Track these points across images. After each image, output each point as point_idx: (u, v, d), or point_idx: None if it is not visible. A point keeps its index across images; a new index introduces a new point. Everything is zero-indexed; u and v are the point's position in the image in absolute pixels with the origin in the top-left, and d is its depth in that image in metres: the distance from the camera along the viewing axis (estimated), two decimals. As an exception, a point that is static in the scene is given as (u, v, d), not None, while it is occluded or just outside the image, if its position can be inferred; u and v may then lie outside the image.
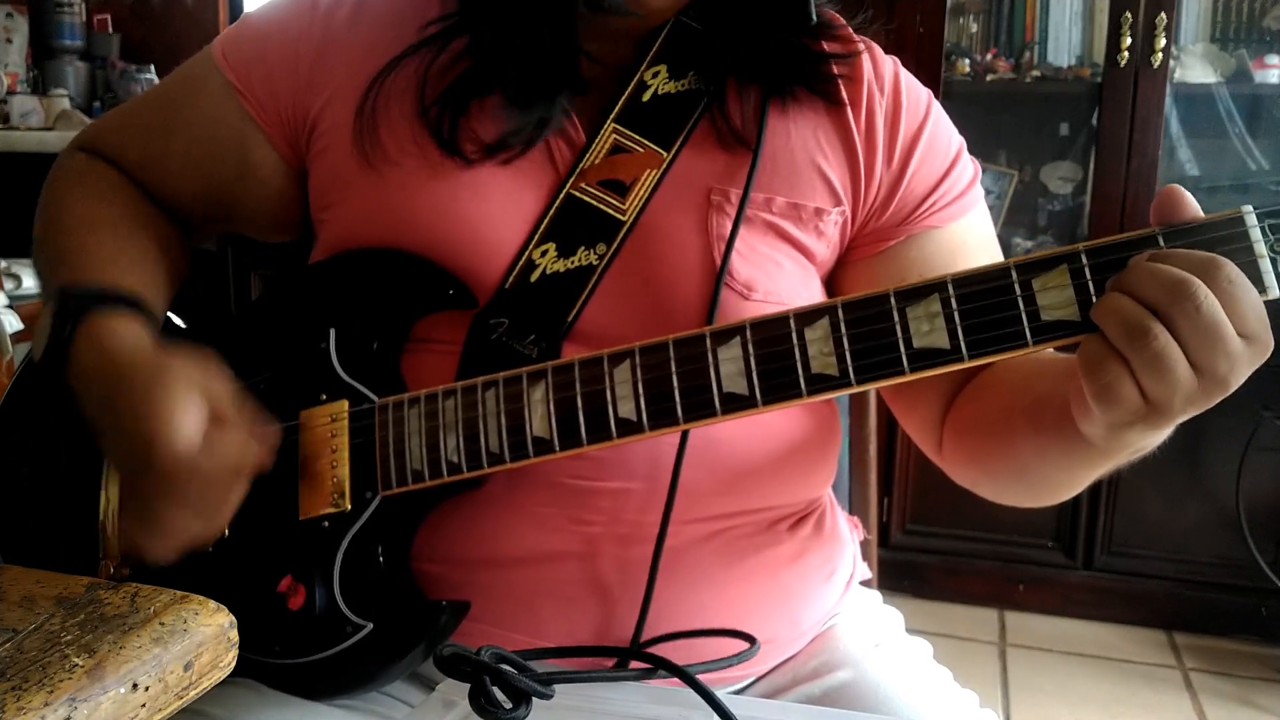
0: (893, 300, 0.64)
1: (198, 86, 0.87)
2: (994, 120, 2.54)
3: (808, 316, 0.66)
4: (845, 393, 0.66)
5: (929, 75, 2.25)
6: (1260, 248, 0.59)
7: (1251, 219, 0.59)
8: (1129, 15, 2.19)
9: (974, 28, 2.54)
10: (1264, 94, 2.34)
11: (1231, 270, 0.58)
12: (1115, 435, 0.63)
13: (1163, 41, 2.18)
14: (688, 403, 0.67)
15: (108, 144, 0.91)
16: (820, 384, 0.65)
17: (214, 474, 0.68)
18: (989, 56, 2.48)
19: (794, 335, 0.66)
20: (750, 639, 0.72)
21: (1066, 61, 2.44)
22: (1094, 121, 2.32)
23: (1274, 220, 0.59)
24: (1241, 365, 0.58)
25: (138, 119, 0.92)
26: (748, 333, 0.67)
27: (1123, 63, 2.21)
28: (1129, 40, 2.20)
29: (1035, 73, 2.44)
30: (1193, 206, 0.61)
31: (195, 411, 0.67)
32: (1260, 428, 2.18)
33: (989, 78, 2.46)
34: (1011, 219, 2.49)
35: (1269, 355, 0.59)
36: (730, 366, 0.67)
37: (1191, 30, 2.39)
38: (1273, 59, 2.30)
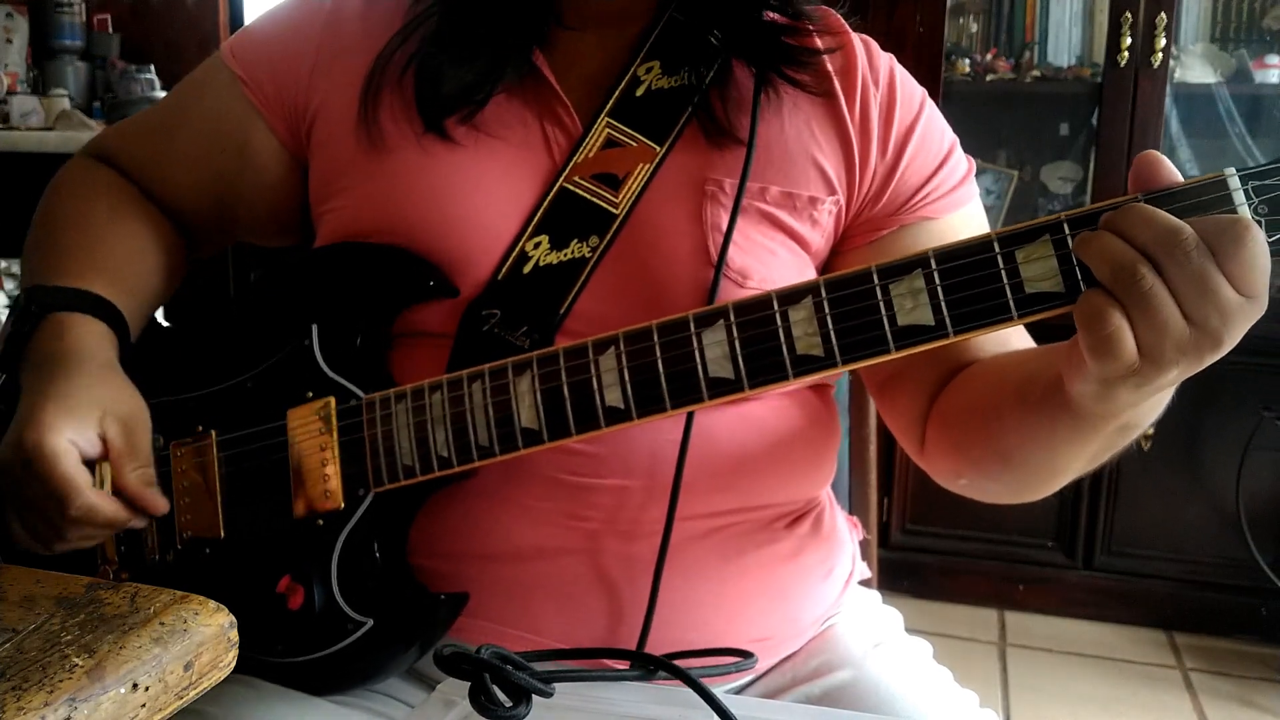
0: (876, 277, 0.64)
1: (204, 85, 0.89)
2: (994, 120, 2.54)
3: (791, 297, 0.66)
4: (831, 373, 0.66)
5: (929, 75, 2.25)
6: (1244, 211, 0.58)
7: (1234, 181, 0.59)
8: (1129, 15, 2.19)
9: (974, 28, 2.53)
10: (1264, 94, 2.34)
11: (1240, 229, 0.56)
12: (1106, 393, 0.61)
13: (1163, 41, 2.18)
14: (674, 388, 0.67)
15: (114, 148, 0.93)
16: (806, 365, 0.65)
17: (59, 498, 0.70)
18: (989, 56, 2.48)
19: (778, 316, 0.66)
20: (748, 654, 0.72)
21: (1066, 61, 2.44)
22: (1094, 121, 2.32)
23: (1257, 182, 0.59)
24: (1236, 322, 0.57)
25: (145, 122, 0.95)
26: (731, 315, 0.67)
27: (1123, 63, 2.21)
28: (1129, 40, 2.20)
29: (1035, 73, 2.43)
30: (1171, 171, 0.60)
31: (84, 432, 0.71)
32: (1260, 428, 2.18)
33: (989, 78, 2.46)
34: (1011, 219, 2.49)
35: (1262, 314, 0.58)
36: (715, 350, 0.67)
37: (1191, 30, 2.39)
38: (1273, 59, 2.30)
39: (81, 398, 0.72)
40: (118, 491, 0.72)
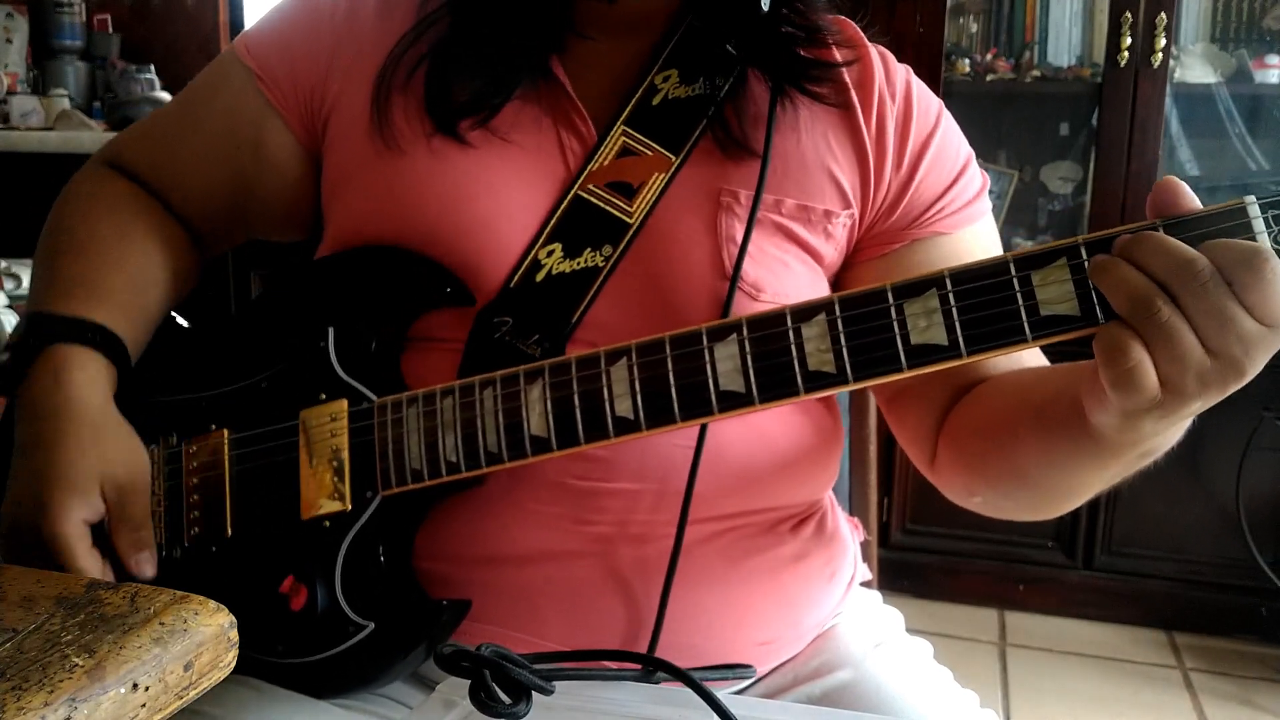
0: (890, 296, 0.64)
1: (218, 82, 0.88)
2: (994, 120, 2.54)
3: (804, 313, 0.65)
4: (843, 390, 0.66)
5: (929, 75, 2.24)
6: (1264, 239, 0.58)
7: (1254, 209, 0.58)
8: (1129, 15, 2.19)
9: (974, 28, 2.53)
10: (1264, 94, 2.34)
11: (1259, 260, 0.56)
12: (1129, 425, 0.61)
13: (1163, 41, 2.18)
14: (685, 401, 0.67)
15: (126, 152, 0.92)
16: (818, 382, 0.65)
17: (68, 562, 0.71)
18: (989, 56, 2.48)
19: (790, 333, 0.65)
20: (747, 667, 0.72)
21: (1066, 61, 2.44)
22: (1094, 121, 2.32)
23: (1278, 211, 0.58)
24: (1258, 350, 0.57)
25: (157, 124, 0.93)
26: (744, 330, 0.66)
27: (1123, 63, 2.21)
28: (1129, 40, 2.20)
29: (1035, 73, 2.43)
30: (1190, 198, 0.60)
31: (91, 503, 0.72)
32: (1260, 428, 2.18)
33: (989, 78, 2.46)
34: (1011, 219, 2.49)
35: None
36: (727, 364, 0.66)
37: (1191, 30, 2.39)
38: (1273, 59, 2.30)
39: (81, 467, 0.73)
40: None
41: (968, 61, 2.46)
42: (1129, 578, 2.36)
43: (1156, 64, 2.19)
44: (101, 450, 0.74)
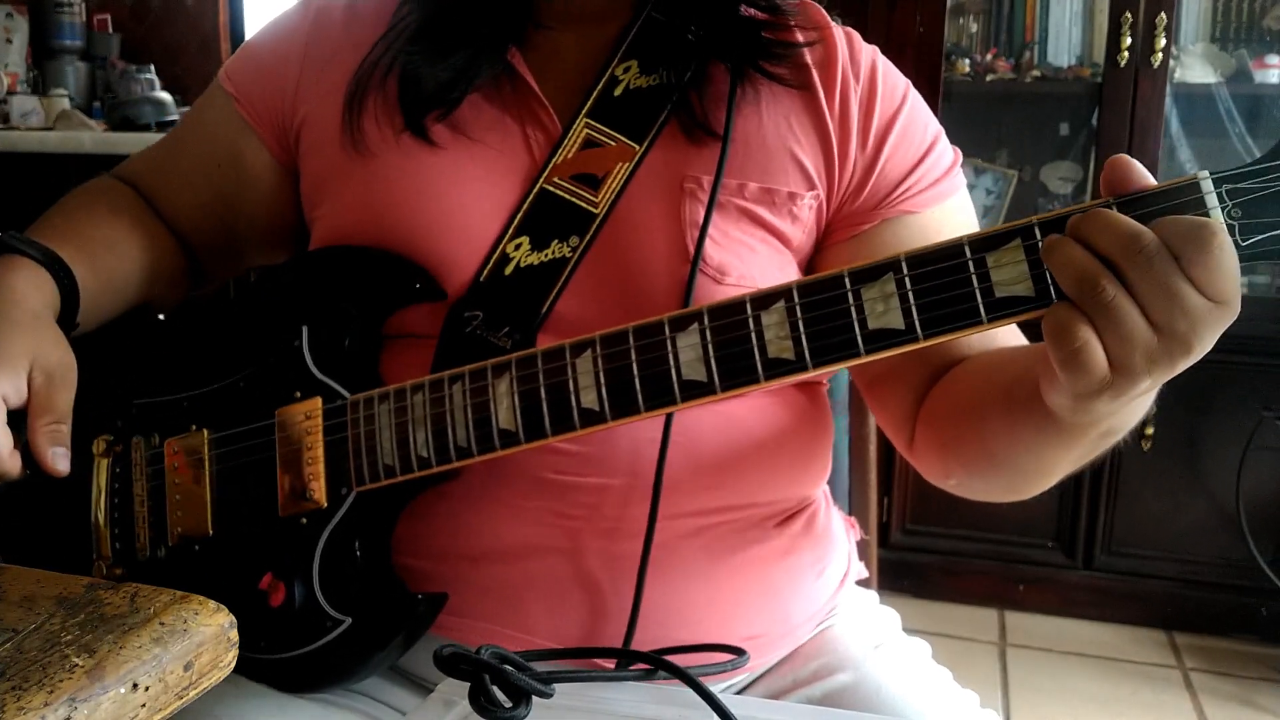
0: (848, 282, 0.63)
1: (204, 107, 0.93)
2: (994, 120, 2.54)
3: (764, 300, 0.65)
4: (803, 377, 0.65)
5: (929, 75, 2.25)
6: (1217, 214, 0.57)
7: (1208, 184, 0.58)
8: (1129, 15, 2.19)
9: (974, 28, 2.53)
10: (1264, 94, 2.34)
11: (1206, 233, 0.55)
12: (1082, 407, 0.61)
13: (1163, 41, 2.18)
14: (648, 391, 0.67)
15: (129, 171, 0.97)
16: (777, 368, 0.65)
17: None
18: (989, 56, 2.48)
19: (751, 320, 0.65)
20: (739, 651, 0.71)
21: (1066, 61, 2.44)
22: (1094, 121, 2.32)
23: (1231, 185, 0.57)
24: (1205, 326, 0.56)
25: (156, 146, 0.99)
26: (705, 319, 0.66)
27: (1123, 63, 2.21)
28: (1129, 40, 2.20)
29: (1035, 73, 2.43)
30: (1142, 174, 0.59)
31: (15, 381, 0.71)
32: (1260, 428, 2.18)
33: (989, 78, 2.46)
34: (1011, 219, 2.48)
35: (1235, 318, 0.56)
36: (689, 353, 0.67)
37: (1191, 30, 2.39)
38: (1273, 59, 2.30)
39: (14, 347, 0.72)
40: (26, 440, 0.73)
41: (968, 61, 2.46)
42: (1129, 578, 2.36)
43: (1156, 64, 2.20)
44: (38, 339, 0.74)
